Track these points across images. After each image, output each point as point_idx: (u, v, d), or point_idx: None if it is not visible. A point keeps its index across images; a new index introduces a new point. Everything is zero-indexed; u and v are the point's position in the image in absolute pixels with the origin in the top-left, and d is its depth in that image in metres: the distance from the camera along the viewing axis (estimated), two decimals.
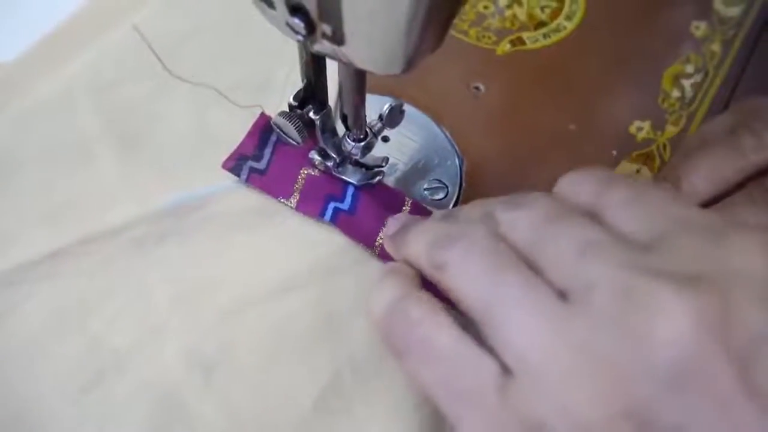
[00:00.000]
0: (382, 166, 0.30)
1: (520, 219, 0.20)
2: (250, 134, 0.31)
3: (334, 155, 0.30)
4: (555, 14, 0.39)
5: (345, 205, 0.30)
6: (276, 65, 0.35)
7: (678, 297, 0.16)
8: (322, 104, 0.28)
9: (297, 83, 0.29)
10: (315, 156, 0.30)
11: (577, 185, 0.21)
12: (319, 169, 0.31)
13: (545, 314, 0.18)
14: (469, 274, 0.20)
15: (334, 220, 0.30)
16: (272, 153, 0.31)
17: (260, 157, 0.31)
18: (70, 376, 0.27)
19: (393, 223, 0.26)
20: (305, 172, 0.31)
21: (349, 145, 0.29)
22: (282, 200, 0.30)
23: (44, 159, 0.32)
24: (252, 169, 0.31)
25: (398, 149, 0.33)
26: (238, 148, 0.31)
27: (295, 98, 0.28)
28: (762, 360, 0.15)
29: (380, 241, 0.29)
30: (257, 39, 0.35)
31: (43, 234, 0.30)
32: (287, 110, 0.29)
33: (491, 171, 0.33)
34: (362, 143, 0.29)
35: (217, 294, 0.29)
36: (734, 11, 0.39)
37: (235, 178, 0.31)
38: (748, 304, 0.16)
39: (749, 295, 0.16)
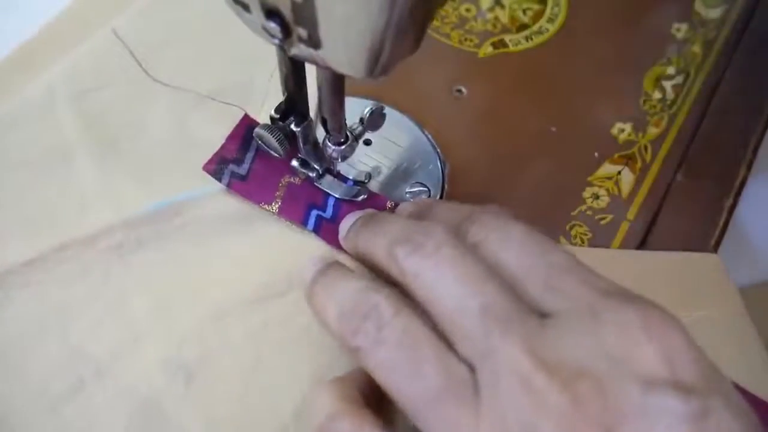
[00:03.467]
0: (365, 182, 0.30)
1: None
2: (231, 136, 0.31)
3: (316, 166, 0.30)
4: (537, 17, 0.39)
5: (327, 213, 0.30)
6: (257, 70, 0.34)
7: (563, 397, 0.17)
8: (303, 116, 0.28)
9: (278, 88, 0.29)
10: (296, 166, 0.30)
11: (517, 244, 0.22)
12: (300, 178, 0.31)
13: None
14: (443, 284, 0.20)
15: (317, 229, 0.29)
16: (254, 158, 0.31)
17: (242, 161, 0.31)
18: (48, 385, 0.27)
19: (348, 220, 0.27)
20: (286, 179, 0.31)
21: (330, 148, 0.28)
22: (263, 206, 0.30)
23: (21, 164, 0.32)
24: (233, 174, 0.30)
25: (381, 152, 0.33)
26: (220, 150, 0.31)
27: (276, 111, 0.28)
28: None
29: None
30: (237, 43, 0.34)
31: (19, 241, 0.30)
32: (268, 122, 0.29)
33: (473, 173, 0.33)
34: (342, 147, 0.28)
35: (197, 301, 0.29)
36: (715, 13, 0.40)
37: (216, 183, 0.30)
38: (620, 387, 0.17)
39: (621, 378, 0.17)
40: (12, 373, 0.27)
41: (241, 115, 0.32)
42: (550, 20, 0.39)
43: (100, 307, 0.28)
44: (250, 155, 0.31)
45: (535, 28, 0.38)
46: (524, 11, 0.39)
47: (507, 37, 0.38)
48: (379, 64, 0.20)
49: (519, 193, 0.33)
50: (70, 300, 0.28)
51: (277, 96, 0.30)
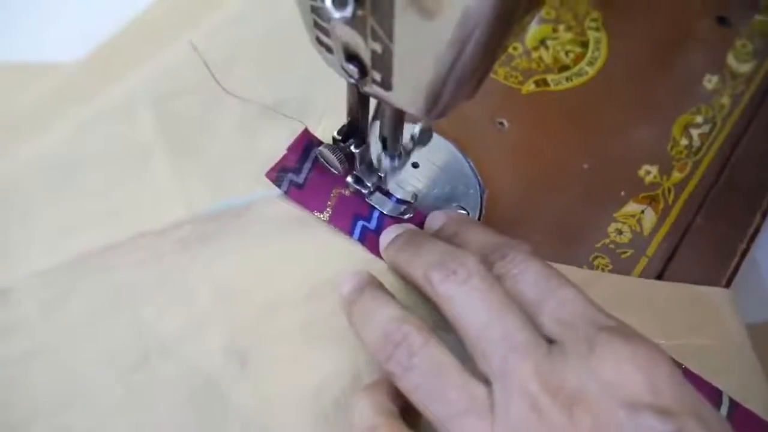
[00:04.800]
0: (411, 202, 0.34)
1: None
2: (292, 148, 0.34)
3: (368, 184, 0.33)
4: (578, 59, 0.42)
5: (372, 225, 0.33)
6: (315, 88, 0.37)
7: (562, 416, 0.21)
8: (362, 140, 0.31)
9: (335, 108, 0.32)
10: (350, 182, 0.33)
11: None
12: (350, 191, 0.34)
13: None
14: (472, 310, 0.24)
15: (362, 239, 0.33)
16: (311, 168, 0.34)
17: (300, 171, 0.34)
18: (118, 356, 0.30)
19: (389, 233, 0.31)
20: (337, 191, 0.34)
21: (386, 161, 0.32)
22: (316, 214, 0.33)
23: (104, 162, 0.35)
24: (292, 182, 0.34)
25: (426, 175, 0.36)
26: (281, 160, 0.34)
27: (339, 132, 0.31)
28: None
29: None
30: (299, 62, 0.38)
31: (101, 229, 0.33)
32: (330, 141, 0.32)
33: (509, 200, 0.36)
34: (396, 161, 0.32)
35: (253, 293, 0.32)
36: (746, 67, 0.42)
37: (276, 188, 0.34)
38: (609, 409, 0.21)
39: (610, 401, 0.21)
40: (87, 343, 0.30)
41: (301, 129, 0.35)
42: (590, 63, 0.42)
43: (167, 293, 0.32)
44: (307, 166, 0.34)
45: (576, 69, 0.41)
46: (567, 53, 0.42)
47: (549, 77, 0.41)
48: (438, 107, 0.24)
49: (549, 222, 0.36)
50: (142, 284, 0.32)
51: (334, 113, 0.34)
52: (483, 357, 0.23)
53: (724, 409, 0.30)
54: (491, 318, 0.24)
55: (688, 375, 0.31)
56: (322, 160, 0.34)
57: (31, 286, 0.31)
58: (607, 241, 0.35)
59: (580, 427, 0.21)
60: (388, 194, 0.34)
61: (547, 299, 0.24)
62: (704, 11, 0.45)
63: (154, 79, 0.38)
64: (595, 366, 0.22)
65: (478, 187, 0.36)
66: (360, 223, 0.33)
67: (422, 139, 0.34)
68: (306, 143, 0.35)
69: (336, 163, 0.32)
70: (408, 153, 0.33)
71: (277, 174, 0.34)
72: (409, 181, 0.35)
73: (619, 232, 0.35)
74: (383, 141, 0.32)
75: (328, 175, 0.34)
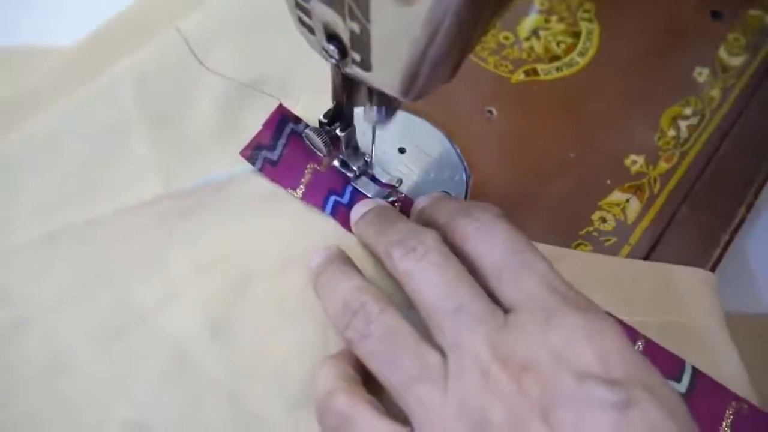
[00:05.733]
0: (396, 186, 0.34)
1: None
2: (266, 124, 0.35)
3: (354, 168, 0.34)
4: (569, 49, 0.42)
5: (344, 199, 0.34)
6: (296, 69, 0.38)
7: (511, 384, 0.21)
8: (347, 123, 0.32)
9: (313, 87, 0.33)
10: (337, 166, 0.34)
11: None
12: (324, 166, 0.34)
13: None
14: (428, 284, 0.25)
15: (334, 213, 0.33)
16: (285, 144, 0.35)
17: (274, 148, 0.34)
18: (100, 328, 0.31)
19: (360, 208, 0.32)
20: (311, 166, 0.34)
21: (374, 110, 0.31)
22: (289, 191, 0.34)
23: (84, 139, 0.35)
24: (266, 159, 0.34)
25: (412, 160, 0.36)
26: (256, 137, 0.34)
27: (324, 116, 0.32)
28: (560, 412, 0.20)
29: None
30: (281, 44, 0.38)
31: (81, 204, 0.34)
32: (307, 118, 0.33)
33: (494, 187, 0.37)
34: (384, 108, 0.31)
35: (228, 267, 0.32)
36: (737, 61, 0.43)
37: (251, 165, 0.34)
38: (558, 379, 0.21)
39: (560, 371, 0.21)
40: (72, 314, 0.31)
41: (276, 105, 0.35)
42: (581, 54, 0.42)
43: (145, 266, 0.32)
44: (282, 142, 0.35)
45: (567, 60, 0.42)
46: (558, 43, 0.42)
47: (539, 66, 0.41)
48: (414, 89, 0.24)
49: (534, 209, 0.36)
50: (121, 258, 0.32)
51: (312, 92, 0.35)
52: (438, 328, 0.24)
53: (686, 378, 0.30)
54: (446, 290, 0.24)
55: (650, 346, 0.31)
56: (308, 142, 0.34)
57: (14, 259, 0.32)
58: (591, 228, 0.36)
59: (528, 395, 0.21)
60: (373, 178, 0.35)
61: (510, 263, 0.24)
62: (698, 5, 0.45)
63: (136, 58, 0.38)
64: (549, 336, 0.22)
65: (464, 173, 0.36)
66: (332, 198, 0.34)
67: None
68: (280, 118, 0.35)
69: (321, 146, 0.32)
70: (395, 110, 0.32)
71: (252, 152, 0.34)
72: (396, 166, 0.36)
73: (603, 220, 0.36)
74: (369, 93, 0.31)
75: (303, 151, 0.35)
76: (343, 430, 0.25)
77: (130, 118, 0.36)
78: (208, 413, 0.29)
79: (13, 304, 0.31)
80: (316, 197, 0.34)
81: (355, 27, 0.23)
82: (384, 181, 0.34)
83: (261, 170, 0.34)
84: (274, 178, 0.34)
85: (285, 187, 0.34)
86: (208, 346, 0.30)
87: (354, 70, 0.25)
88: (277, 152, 0.35)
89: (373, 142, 0.33)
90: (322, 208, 0.33)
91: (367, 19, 0.22)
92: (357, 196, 0.34)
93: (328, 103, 0.31)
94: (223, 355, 0.30)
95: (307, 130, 0.33)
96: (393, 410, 0.24)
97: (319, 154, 0.34)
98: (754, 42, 0.44)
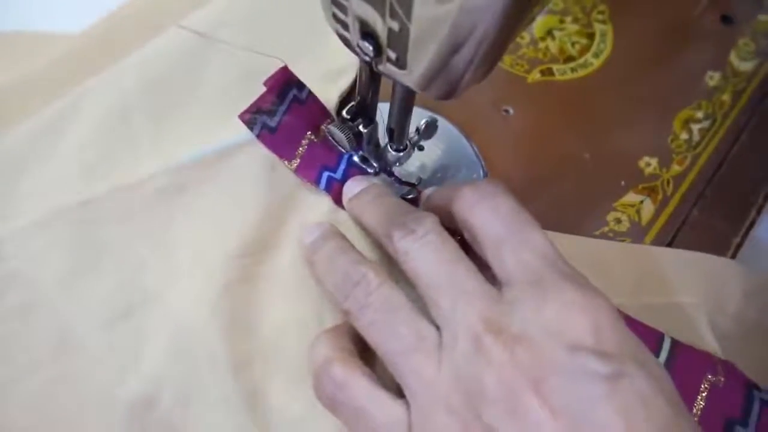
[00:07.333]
0: (415, 185, 0.34)
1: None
2: (270, 87, 0.33)
3: (374, 164, 0.34)
4: (584, 50, 0.43)
5: (338, 175, 0.34)
6: (300, 56, 0.36)
7: (504, 354, 0.22)
8: (370, 120, 0.32)
9: (309, 76, 0.33)
10: (357, 161, 0.34)
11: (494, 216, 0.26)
12: (320, 136, 0.34)
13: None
14: (425, 261, 0.25)
15: (328, 189, 0.33)
16: (285, 111, 0.34)
17: (274, 114, 0.33)
18: (104, 308, 0.31)
19: (353, 185, 0.32)
20: (309, 137, 0.34)
21: (390, 153, 0.33)
22: (285, 163, 0.33)
23: (83, 118, 0.35)
24: (264, 126, 0.33)
25: (430, 157, 0.37)
26: (257, 100, 0.33)
27: (348, 112, 0.32)
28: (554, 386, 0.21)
29: None
30: (286, 32, 0.38)
31: (78, 185, 0.33)
32: (341, 121, 0.33)
33: (511, 186, 0.36)
34: (401, 153, 0.33)
35: (225, 240, 0.32)
36: (747, 66, 0.43)
37: (249, 133, 0.33)
38: (551, 350, 0.21)
39: (552, 343, 0.21)
40: (77, 294, 0.31)
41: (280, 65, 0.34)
42: (596, 55, 0.42)
43: (146, 244, 0.32)
44: (282, 108, 0.34)
45: (581, 60, 0.42)
46: (573, 44, 0.43)
47: (555, 67, 0.42)
48: (448, 89, 0.24)
49: (549, 208, 0.36)
50: (121, 237, 0.32)
51: (315, 79, 0.34)
52: (434, 304, 0.24)
53: (666, 345, 0.30)
54: (442, 268, 0.25)
55: (629, 321, 0.31)
56: (331, 137, 0.34)
57: (17, 241, 0.32)
58: (606, 229, 0.36)
59: (521, 366, 0.21)
60: (392, 175, 0.35)
61: (511, 236, 0.25)
62: (709, 9, 0.45)
63: (141, 45, 0.38)
64: (544, 309, 0.22)
65: (481, 171, 0.37)
66: (326, 173, 0.33)
67: (428, 132, 0.34)
68: (285, 81, 0.34)
69: (345, 142, 0.32)
70: (413, 146, 0.33)
71: (251, 116, 0.33)
72: (414, 163, 0.36)
73: (618, 221, 0.36)
74: (390, 132, 0.32)
75: (302, 120, 0.34)
76: (339, 398, 0.25)
77: (129, 101, 0.36)
78: (212, 388, 0.29)
79: (20, 287, 0.31)
80: (310, 172, 0.33)
81: (395, 25, 0.23)
82: (404, 178, 0.35)
83: (258, 137, 0.33)
84: (271, 147, 0.33)
85: (281, 157, 0.33)
86: (211, 321, 0.30)
87: (387, 68, 0.26)
88: (276, 119, 0.33)
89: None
90: (316, 183, 0.33)
91: (409, 19, 0.22)
92: (350, 170, 0.34)
93: (330, 94, 0.31)
94: (224, 331, 0.30)
95: (330, 126, 0.33)
96: (386, 384, 0.25)
97: (342, 149, 0.34)
98: (764, 47, 0.44)
